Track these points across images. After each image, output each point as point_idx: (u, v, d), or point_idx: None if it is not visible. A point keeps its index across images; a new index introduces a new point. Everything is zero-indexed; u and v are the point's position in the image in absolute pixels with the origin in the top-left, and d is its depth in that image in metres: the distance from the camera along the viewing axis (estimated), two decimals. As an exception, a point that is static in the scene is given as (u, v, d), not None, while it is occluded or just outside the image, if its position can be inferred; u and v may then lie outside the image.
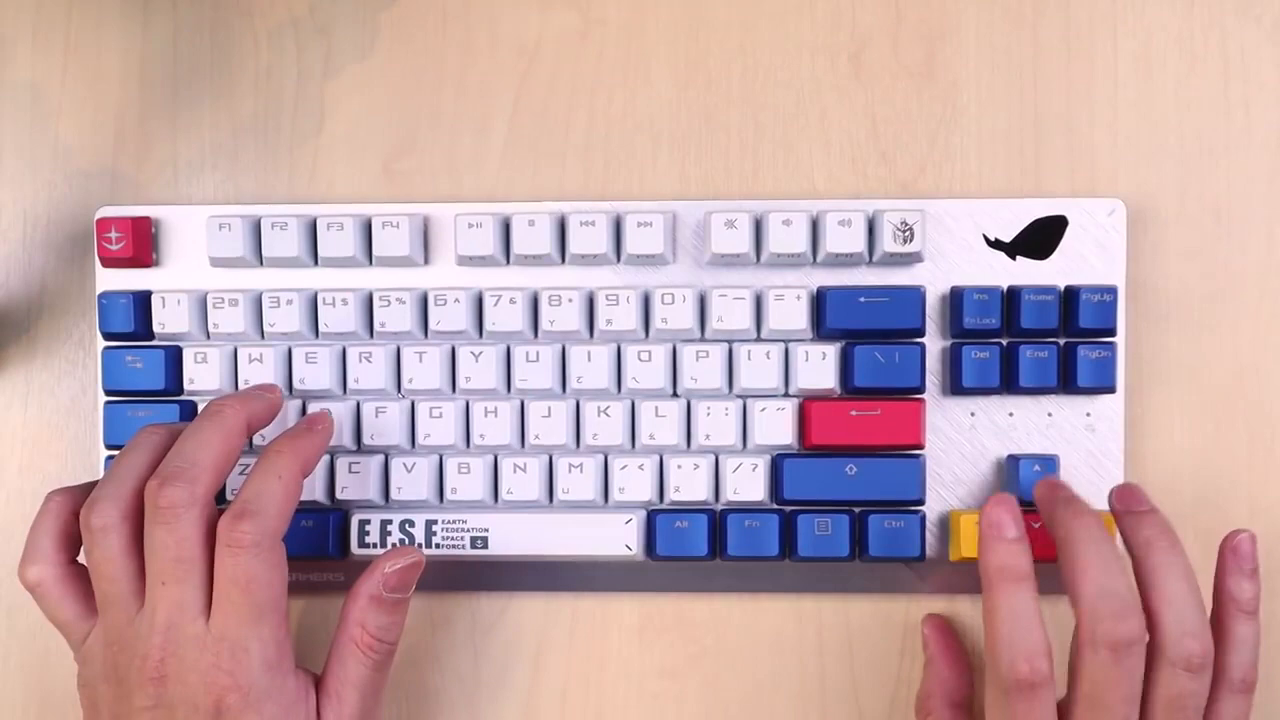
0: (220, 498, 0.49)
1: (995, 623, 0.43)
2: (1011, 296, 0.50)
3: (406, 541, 0.50)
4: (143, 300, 0.51)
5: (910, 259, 0.50)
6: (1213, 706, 0.45)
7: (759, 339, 0.50)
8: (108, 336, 0.52)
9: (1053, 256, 0.50)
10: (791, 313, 0.50)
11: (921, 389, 0.50)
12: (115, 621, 0.44)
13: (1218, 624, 0.46)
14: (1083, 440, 0.50)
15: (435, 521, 0.51)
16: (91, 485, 0.46)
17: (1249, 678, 0.45)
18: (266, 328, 0.51)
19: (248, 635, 0.43)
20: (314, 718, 0.45)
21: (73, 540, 0.46)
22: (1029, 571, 0.44)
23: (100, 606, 0.44)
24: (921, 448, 0.50)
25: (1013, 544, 0.44)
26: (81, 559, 0.46)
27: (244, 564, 0.43)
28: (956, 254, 0.51)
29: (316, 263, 0.51)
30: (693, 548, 0.50)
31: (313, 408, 0.51)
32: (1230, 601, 0.46)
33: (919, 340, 0.50)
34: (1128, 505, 0.46)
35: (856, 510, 0.50)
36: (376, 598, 0.46)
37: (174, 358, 0.51)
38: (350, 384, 0.51)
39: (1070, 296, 0.50)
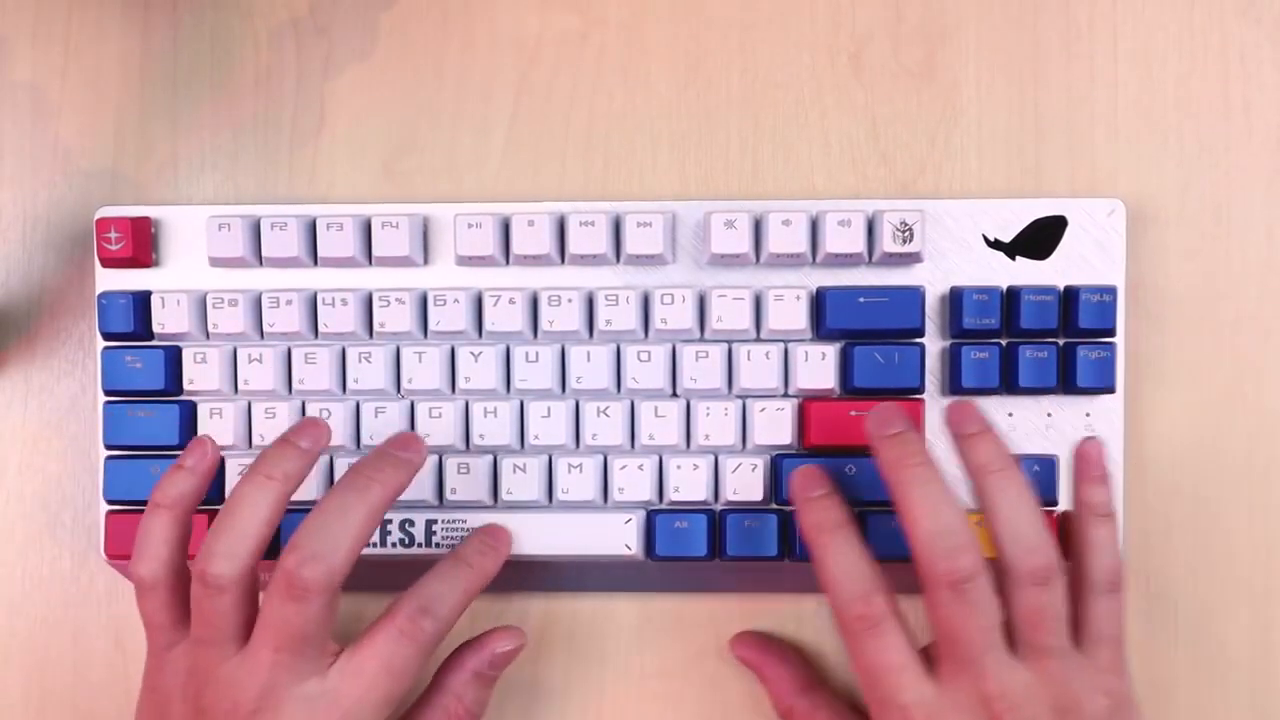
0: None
1: (826, 576, 0.44)
2: (1011, 297, 0.50)
3: (406, 541, 0.50)
4: (142, 300, 0.51)
5: (910, 259, 0.50)
6: (1082, 611, 0.45)
7: (758, 339, 0.50)
8: (107, 336, 0.52)
9: (1052, 257, 0.50)
10: (791, 313, 0.50)
11: (921, 389, 0.50)
12: (208, 658, 0.44)
13: (1077, 530, 0.46)
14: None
15: (435, 521, 0.51)
16: (196, 478, 0.45)
17: (1113, 578, 0.45)
18: (266, 328, 0.51)
19: (366, 713, 0.43)
20: None
21: (186, 545, 0.46)
22: (844, 518, 0.45)
23: (195, 639, 0.44)
24: (921, 448, 0.50)
25: (821, 499, 0.46)
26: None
27: (405, 655, 0.44)
28: (956, 254, 0.51)
29: (316, 263, 0.51)
30: (692, 548, 0.50)
31: (311, 409, 0.51)
32: (1084, 507, 0.46)
33: (918, 340, 0.50)
34: (959, 428, 0.46)
35: (856, 510, 0.50)
36: (482, 674, 0.47)
37: (174, 358, 0.51)
38: (350, 384, 0.51)
39: (1070, 297, 0.50)
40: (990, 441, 0.45)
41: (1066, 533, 0.47)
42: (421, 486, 0.50)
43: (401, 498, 0.50)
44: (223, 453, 0.49)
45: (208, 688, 0.43)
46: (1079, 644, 0.45)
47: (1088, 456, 0.47)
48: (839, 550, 0.44)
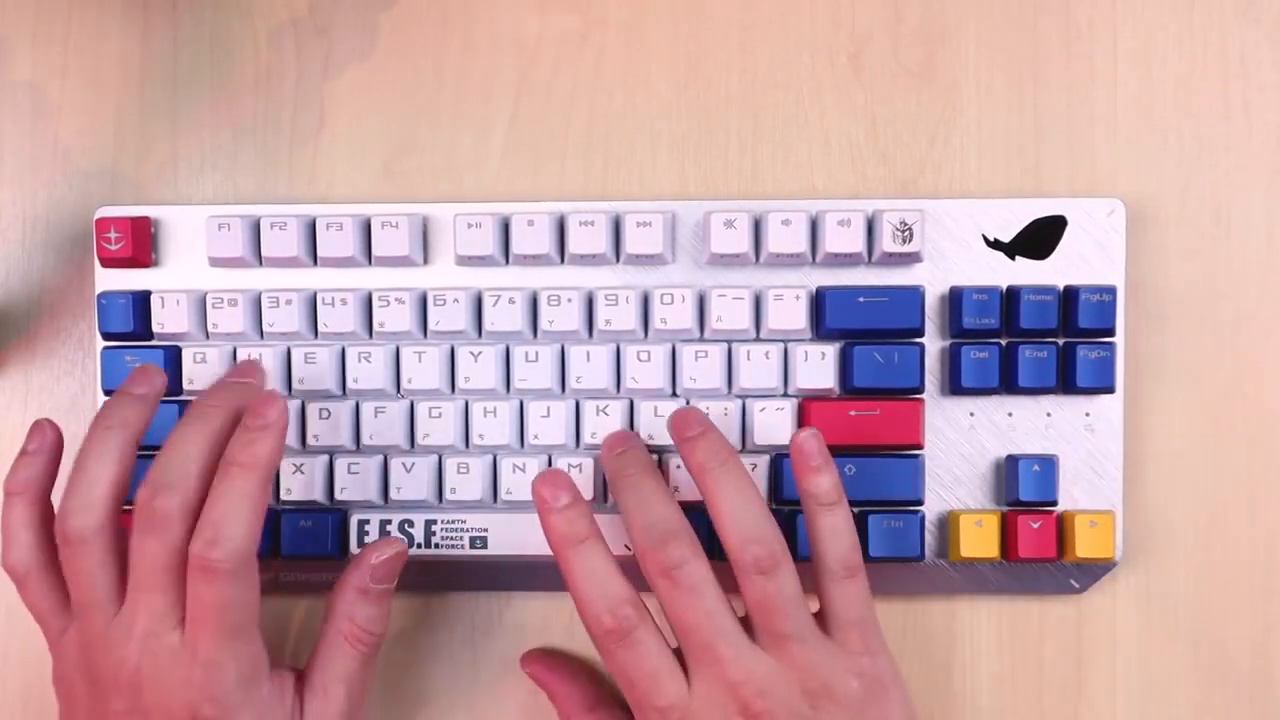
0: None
1: (572, 588, 0.44)
2: (1011, 296, 0.50)
3: (405, 542, 0.50)
4: (142, 300, 0.51)
5: (909, 259, 0.50)
6: (825, 599, 0.45)
7: (758, 339, 0.50)
8: (107, 336, 0.52)
9: (1052, 256, 0.50)
10: (791, 313, 0.50)
11: (921, 389, 0.50)
12: (92, 624, 0.44)
13: (808, 522, 0.46)
14: (1082, 440, 0.50)
15: (435, 521, 0.51)
16: (42, 459, 0.46)
17: (849, 564, 0.45)
18: (266, 328, 0.51)
19: (223, 655, 0.43)
20: (294, 710, 0.45)
21: (49, 527, 0.46)
22: (590, 531, 0.45)
23: (76, 609, 0.44)
24: (921, 448, 0.50)
25: (566, 511, 0.45)
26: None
27: (219, 589, 0.42)
28: (956, 254, 0.51)
29: (316, 263, 0.51)
30: (692, 548, 0.50)
31: (312, 409, 0.51)
32: (809, 499, 0.46)
33: (918, 340, 0.50)
34: (680, 433, 0.47)
35: (856, 510, 0.50)
36: (363, 589, 0.46)
37: (173, 358, 0.51)
38: (349, 384, 0.51)
39: (1069, 296, 0.50)
40: (709, 440, 0.46)
41: (808, 531, 0.46)
42: (421, 486, 0.50)
43: (402, 498, 0.50)
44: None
45: (97, 654, 0.44)
46: (827, 630, 0.45)
47: (802, 448, 0.45)
48: (584, 562, 0.44)
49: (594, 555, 0.44)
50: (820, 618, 0.45)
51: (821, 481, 0.45)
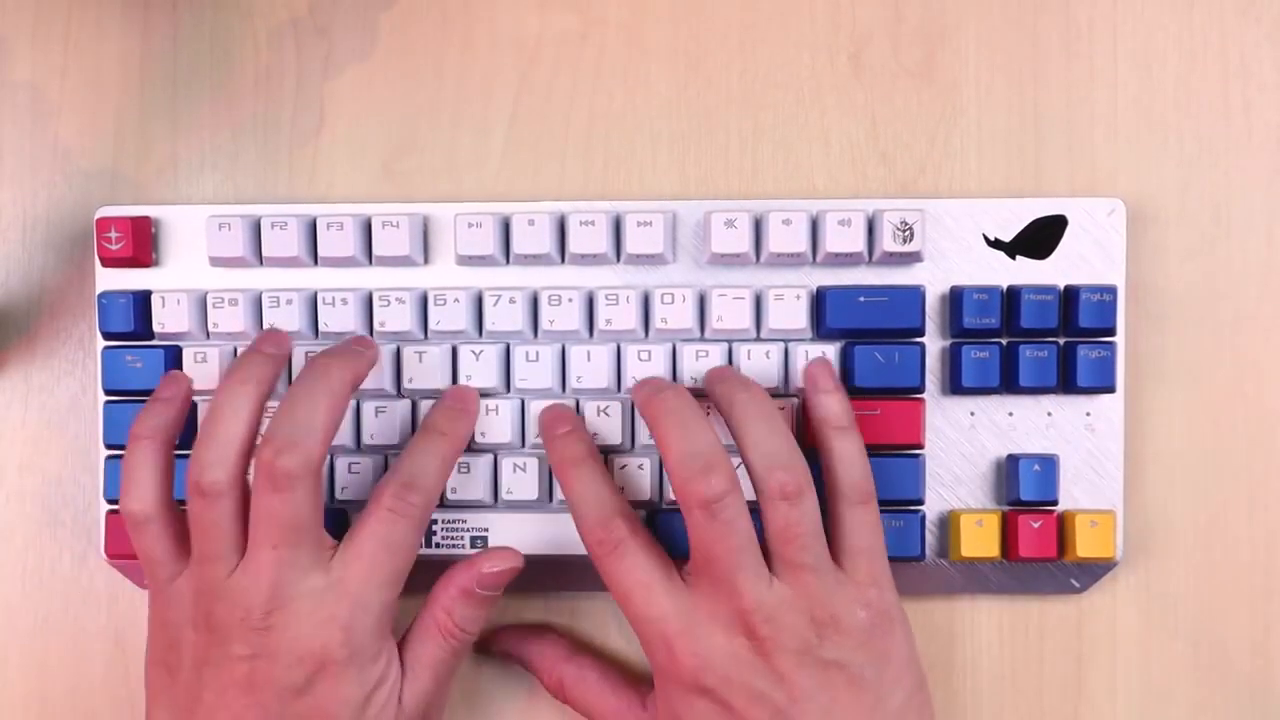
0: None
1: (571, 506, 0.46)
2: (1011, 296, 0.50)
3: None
4: (142, 300, 0.51)
5: (910, 259, 0.50)
6: (836, 526, 0.46)
7: (759, 339, 0.50)
8: (108, 336, 0.52)
9: (1052, 256, 0.50)
10: (791, 312, 0.50)
11: (921, 389, 0.50)
12: (214, 574, 0.44)
13: (820, 446, 0.47)
14: (1083, 440, 0.50)
15: (435, 521, 0.51)
16: (171, 408, 0.47)
17: (862, 489, 0.46)
18: (266, 327, 0.51)
19: (374, 597, 0.44)
20: (399, 682, 0.46)
21: (171, 475, 0.46)
22: (588, 452, 0.47)
23: (196, 559, 0.44)
24: (921, 447, 0.50)
25: (567, 435, 0.48)
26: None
27: (401, 532, 0.44)
28: (956, 254, 0.51)
29: (316, 262, 0.51)
30: (692, 547, 0.50)
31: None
32: (821, 423, 0.47)
33: (919, 340, 0.50)
34: (713, 379, 0.48)
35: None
36: (469, 591, 0.47)
37: (174, 357, 0.51)
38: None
39: (1070, 296, 0.50)
40: (739, 379, 0.47)
41: (821, 457, 0.47)
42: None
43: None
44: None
45: (217, 603, 0.43)
46: (837, 559, 0.45)
47: (814, 374, 0.48)
48: (582, 480, 0.46)
49: (590, 473, 0.46)
50: (833, 549, 0.45)
51: (833, 404, 0.47)
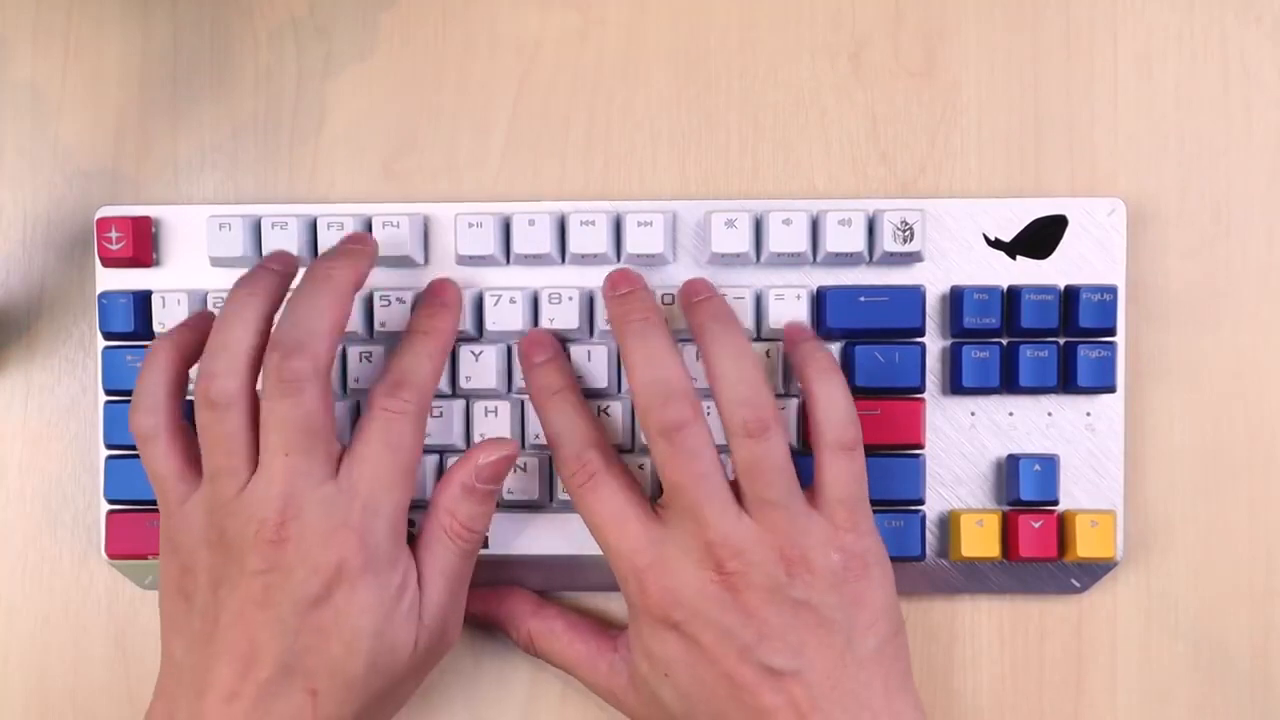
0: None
1: (547, 436, 0.47)
2: (1011, 296, 0.50)
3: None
4: (143, 300, 0.51)
5: (910, 259, 0.50)
6: (818, 471, 0.45)
7: (759, 339, 0.50)
8: (108, 336, 0.52)
9: (1053, 256, 0.50)
10: (792, 312, 0.50)
11: (921, 389, 0.50)
12: (225, 489, 0.43)
13: (805, 391, 0.46)
14: (1083, 440, 0.50)
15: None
16: (193, 333, 0.46)
17: (845, 436, 0.45)
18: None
19: (383, 498, 0.44)
20: (416, 589, 0.45)
21: (183, 392, 0.46)
22: (565, 383, 0.47)
23: (208, 475, 0.44)
24: (921, 447, 0.50)
25: (545, 365, 0.48)
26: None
27: (398, 429, 0.44)
28: (956, 254, 0.51)
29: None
30: (693, 547, 0.50)
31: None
32: (805, 366, 0.46)
33: (919, 340, 0.50)
34: (688, 296, 0.47)
35: (857, 510, 0.50)
36: (469, 487, 0.46)
37: (174, 357, 0.51)
38: (351, 384, 0.51)
39: (1070, 296, 0.50)
40: (715, 304, 0.47)
41: (805, 401, 0.47)
42: (422, 486, 0.50)
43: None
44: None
45: (230, 519, 0.43)
46: (817, 505, 0.45)
47: (792, 326, 0.49)
48: (558, 410, 0.47)
49: (566, 404, 0.47)
50: (811, 493, 0.45)
51: (814, 349, 0.47)
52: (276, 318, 0.45)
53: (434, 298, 0.49)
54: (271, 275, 0.46)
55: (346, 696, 0.43)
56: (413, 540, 0.46)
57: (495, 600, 0.51)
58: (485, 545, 0.51)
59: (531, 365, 0.48)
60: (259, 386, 0.44)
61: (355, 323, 0.50)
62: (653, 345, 0.45)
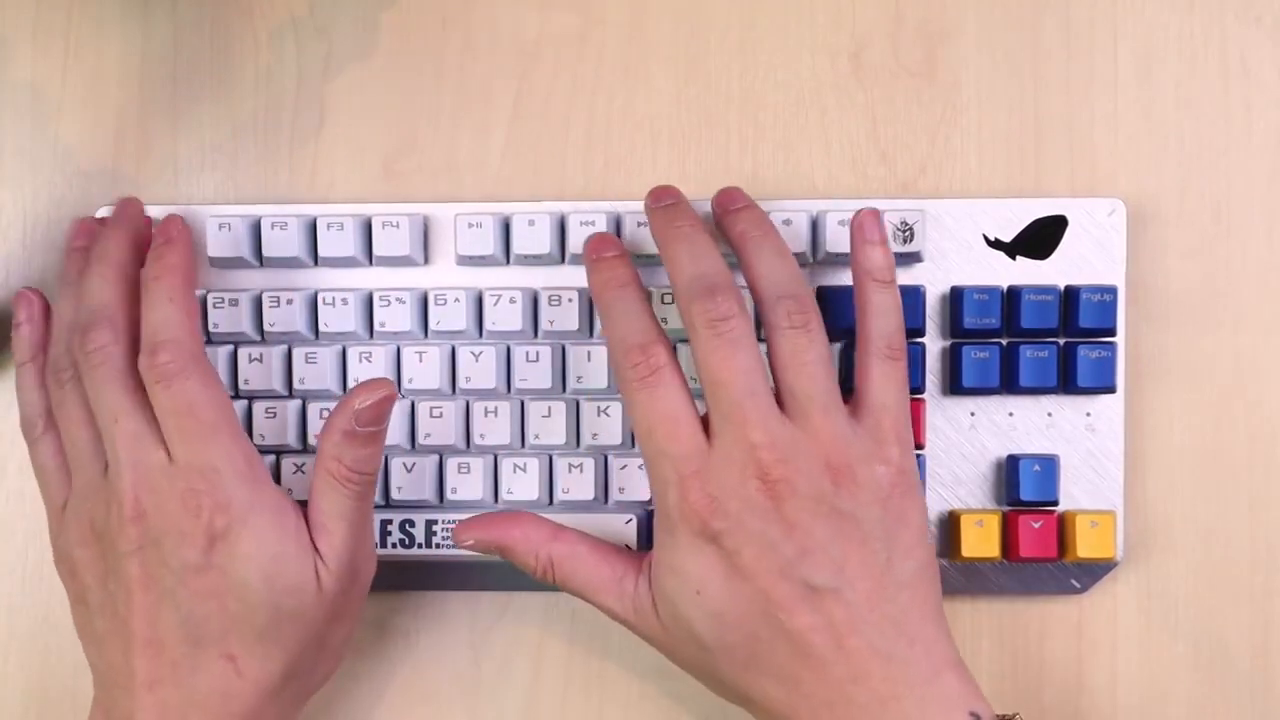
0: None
1: (608, 328, 0.45)
2: (1011, 296, 0.50)
3: (406, 542, 0.50)
4: (143, 300, 0.51)
5: (910, 259, 0.50)
6: (862, 378, 0.45)
7: (760, 339, 0.50)
8: (108, 336, 0.52)
9: (1053, 256, 0.50)
10: (791, 312, 0.50)
11: (921, 389, 0.50)
12: (87, 479, 0.45)
13: (858, 296, 0.46)
14: (1083, 440, 0.50)
15: (435, 521, 0.51)
16: (42, 329, 0.49)
17: (893, 345, 0.45)
18: (266, 328, 0.51)
19: (211, 455, 0.43)
20: (304, 529, 0.45)
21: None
22: (631, 278, 0.46)
23: (73, 467, 0.45)
24: (921, 447, 0.50)
25: (611, 259, 0.46)
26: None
27: (178, 391, 0.43)
28: (956, 254, 0.51)
29: (316, 263, 0.51)
30: (693, 548, 0.50)
31: (313, 409, 0.51)
32: (863, 273, 0.45)
33: (919, 340, 0.50)
34: (724, 206, 0.47)
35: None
36: (349, 432, 0.45)
37: (174, 357, 0.51)
38: (350, 384, 0.51)
39: (1070, 296, 0.50)
40: (750, 212, 0.46)
41: (857, 308, 0.46)
42: (422, 486, 0.50)
43: (402, 498, 0.50)
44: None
45: (96, 507, 0.44)
46: (858, 414, 0.44)
47: (863, 225, 0.46)
48: (625, 301, 0.45)
49: (631, 298, 0.45)
50: (852, 404, 0.44)
51: (877, 255, 0.45)
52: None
53: (158, 236, 0.48)
54: (82, 255, 0.48)
55: (266, 651, 0.43)
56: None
57: (506, 525, 0.47)
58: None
59: (599, 258, 0.46)
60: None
61: (355, 323, 0.50)
62: (698, 244, 0.44)
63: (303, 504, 0.46)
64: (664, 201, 0.47)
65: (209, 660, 0.43)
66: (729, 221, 0.46)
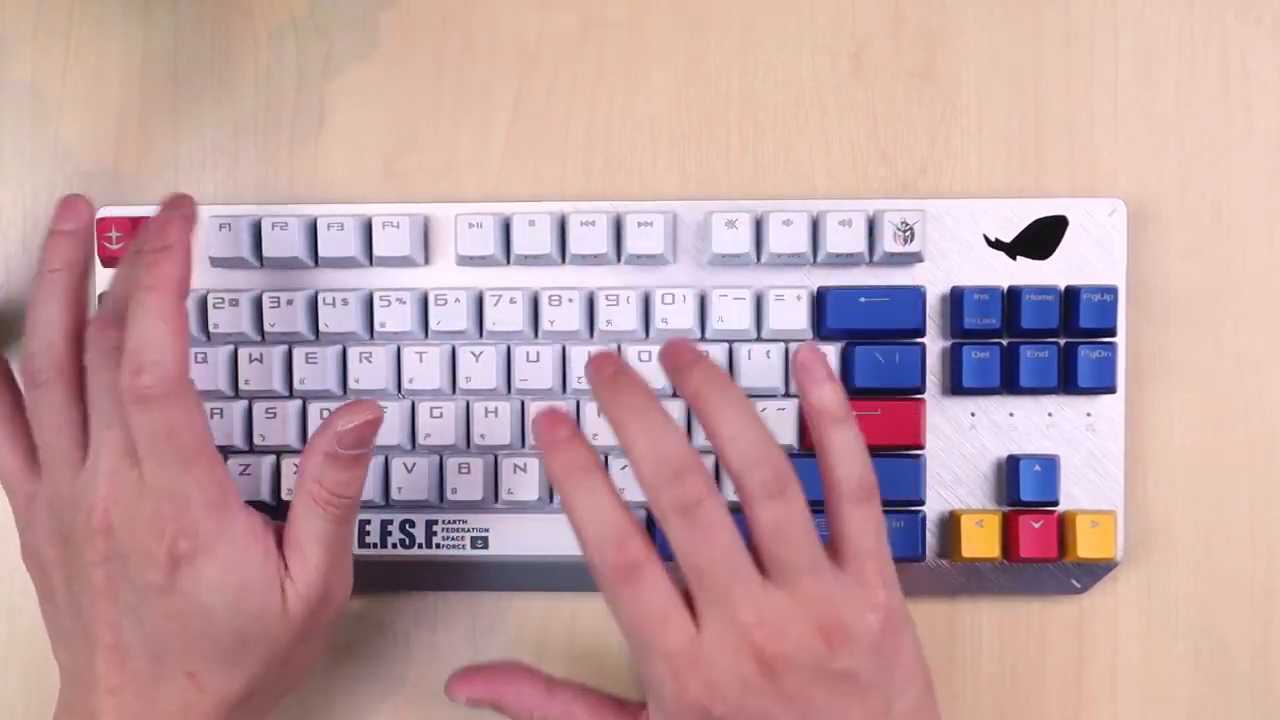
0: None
1: (577, 522, 0.41)
2: (1012, 296, 0.50)
3: (406, 542, 0.50)
4: (143, 300, 0.51)
5: (910, 259, 0.50)
6: (837, 525, 0.42)
7: (759, 339, 0.50)
8: (108, 336, 0.52)
9: (1053, 256, 0.50)
10: (792, 313, 0.50)
11: (922, 389, 0.50)
12: (60, 478, 0.44)
13: (817, 441, 0.42)
14: (1083, 440, 0.50)
15: (435, 521, 0.51)
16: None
17: (864, 484, 0.42)
18: (266, 328, 0.51)
19: (183, 482, 0.42)
20: (274, 555, 0.44)
21: (11, 386, 0.47)
22: (592, 461, 0.41)
23: (45, 465, 0.44)
24: (922, 448, 0.50)
25: (568, 442, 0.42)
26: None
27: (158, 416, 0.41)
28: (957, 254, 0.51)
29: (316, 263, 0.51)
30: (693, 548, 0.50)
31: (313, 409, 0.51)
32: (817, 414, 0.42)
33: (919, 340, 0.50)
34: (674, 363, 0.43)
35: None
36: (331, 455, 0.43)
37: (174, 358, 0.51)
38: (350, 384, 0.51)
39: (1071, 296, 0.50)
40: (706, 367, 0.42)
41: (817, 452, 0.43)
42: (422, 486, 0.50)
43: (403, 498, 0.50)
44: (223, 453, 0.49)
45: (65, 510, 0.44)
46: (839, 562, 0.42)
47: (805, 362, 0.43)
48: (591, 493, 0.41)
49: (598, 487, 0.41)
50: (830, 549, 0.42)
51: (827, 394, 0.42)
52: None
53: (156, 240, 0.44)
54: (65, 240, 0.47)
55: (228, 671, 0.43)
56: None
57: (500, 682, 0.46)
58: (486, 546, 0.51)
59: (555, 441, 0.42)
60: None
61: (356, 323, 0.50)
62: (652, 421, 0.41)
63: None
64: (605, 372, 0.43)
65: (170, 675, 0.43)
66: (681, 380, 0.42)
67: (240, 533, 0.43)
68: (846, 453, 0.42)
